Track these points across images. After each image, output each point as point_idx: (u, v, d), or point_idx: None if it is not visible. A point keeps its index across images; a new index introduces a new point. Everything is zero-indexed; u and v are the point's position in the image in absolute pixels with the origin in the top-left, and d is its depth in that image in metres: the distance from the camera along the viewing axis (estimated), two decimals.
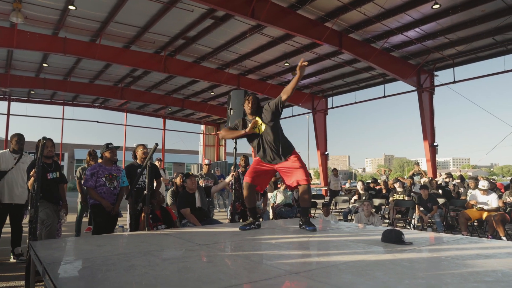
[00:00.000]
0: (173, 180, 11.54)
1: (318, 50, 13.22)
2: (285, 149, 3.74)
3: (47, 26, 11.53)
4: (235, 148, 5.37)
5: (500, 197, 7.44)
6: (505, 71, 12.61)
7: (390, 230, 3.25)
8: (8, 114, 19.94)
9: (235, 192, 5.69)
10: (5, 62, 14.93)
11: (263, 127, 3.71)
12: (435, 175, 14.25)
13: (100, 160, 5.65)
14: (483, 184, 7.20)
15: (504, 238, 6.35)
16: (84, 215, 6.66)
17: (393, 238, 3.12)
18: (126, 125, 23.75)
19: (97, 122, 22.93)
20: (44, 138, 3.81)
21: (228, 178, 5.65)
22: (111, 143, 4.42)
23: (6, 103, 20.03)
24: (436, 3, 9.42)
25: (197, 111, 22.96)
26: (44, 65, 14.91)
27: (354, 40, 12.06)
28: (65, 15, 10.68)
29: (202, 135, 27.41)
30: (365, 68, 14.74)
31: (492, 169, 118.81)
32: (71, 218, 6.95)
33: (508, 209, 7.03)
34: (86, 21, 11.19)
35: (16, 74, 16.23)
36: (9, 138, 6.18)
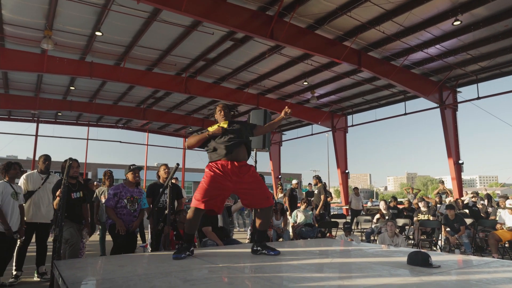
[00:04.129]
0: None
1: (337, 69, 13.23)
2: (247, 154, 3.65)
3: (75, 52, 12.07)
4: (255, 167, 5.37)
5: None
6: None
7: (416, 252, 3.15)
8: (36, 135, 20.74)
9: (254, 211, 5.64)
10: (35, 86, 15.65)
11: (227, 125, 3.61)
12: (461, 194, 13.75)
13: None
14: (510, 202, 6.90)
15: None
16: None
17: (419, 261, 3.00)
18: (147, 144, 24.25)
19: (120, 142, 23.43)
20: (70, 159, 3.93)
21: None
22: (134, 165, 4.50)
23: (35, 124, 20.87)
24: (456, 20, 9.32)
25: None
26: (71, 88, 15.54)
27: (373, 58, 12.03)
28: (92, 40, 11.17)
29: None
30: (385, 85, 14.61)
31: None
32: (94, 237, 7.06)
33: None
34: (112, 45, 11.65)
35: (44, 97, 16.98)
36: (36, 159, 6.41)
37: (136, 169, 4.46)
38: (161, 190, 4.34)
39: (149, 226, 4.96)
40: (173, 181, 7.59)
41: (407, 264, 3.03)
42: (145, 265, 3.26)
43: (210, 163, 3.51)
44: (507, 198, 9.00)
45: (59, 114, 20.23)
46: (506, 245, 7.18)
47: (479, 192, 13.74)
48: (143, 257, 3.81)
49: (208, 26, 10.10)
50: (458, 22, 9.42)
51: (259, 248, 3.57)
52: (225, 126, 3.61)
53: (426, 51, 11.52)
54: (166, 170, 4.95)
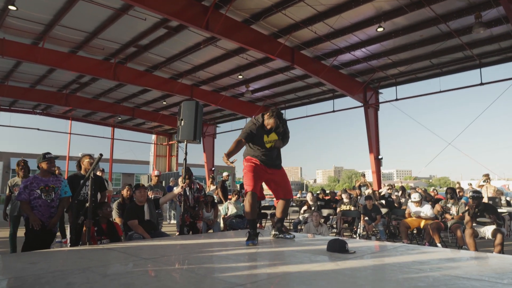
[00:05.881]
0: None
1: (271, 65, 13.52)
2: (280, 159, 4.12)
3: None
4: (185, 159, 5.30)
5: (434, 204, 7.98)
6: (440, 91, 13.75)
7: (335, 240, 3.38)
8: None
9: (184, 204, 5.58)
10: None
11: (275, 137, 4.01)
12: (379, 186, 15.02)
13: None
14: (414, 196, 7.73)
15: (439, 245, 6.82)
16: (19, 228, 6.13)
17: (337, 248, 3.24)
18: (70, 133, 22.47)
19: (38, 129, 21.19)
20: None
21: (177, 190, 5.52)
22: (49, 153, 4.14)
23: None
24: (380, 26, 10.09)
25: (148, 121, 22.35)
26: None
27: (305, 57, 12.51)
28: (4, 15, 9.96)
29: (153, 145, 26.65)
30: (315, 83, 15.31)
31: (430, 180, 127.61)
32: (4, 233, 6.40)
33: (441, 216, 7.55)
34: (28, 22, 10.51)
35: None
36: None
37: (51, 158, 4.11)
38: (82, 182, 4.06)
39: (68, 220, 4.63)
40: (99, 173, 7.17)
41: (326, 251, 3.25)
42: (61, 261, 3.05)
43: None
44: (415, 190, 10.06)
45: None
46: (414, 231, 8.03)
47: (395, 184, 15.13)
48: (59, 253, 3.55)
49: (140, 11, 9.63)
50: (381, 29, 10.21)
51: (277, 233, 4.18)
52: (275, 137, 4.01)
53: (353, 54, 12.31)
54: (91, 161, 4.64)
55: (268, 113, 3.90)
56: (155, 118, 21.50)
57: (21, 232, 6.06)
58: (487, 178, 10.74)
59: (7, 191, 5.84)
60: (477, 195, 6.11)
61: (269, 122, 3.86)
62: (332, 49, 12.13)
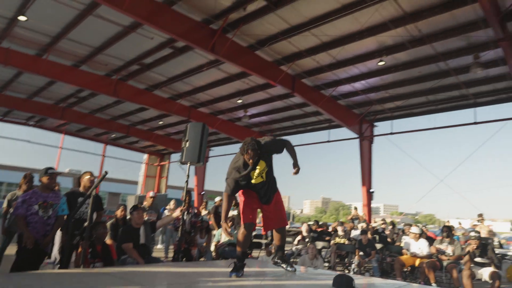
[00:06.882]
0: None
1: (271, 91, 13.63)
2: (274, 187, 3.79)
3: None
4: (187, 181, 5.18)
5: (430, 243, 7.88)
6: (435, 128, 13.94)
7: (341, 276, 3.27)
8: None
9: (181, 229, 5.41)
10: None
11: (263, 171, 3.63)
12: (369, 220, 14.89)
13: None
14: (414, 229, 7.65)
15: (434, 284, 6.68)
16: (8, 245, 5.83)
17: (343, 284, 3.13)
18: (61, 147, 22.10)
19: (29, 141, 20.79)
20: None
21: (176, 213, 5.36)
22: (51, 168, 4.01)
23: None
24: (381, 60, 10.29)
25: (142, 140, 22.15)
26: None
27: (305, 85, 12.65)
28: (13, 24, 9.97)
29: (144, 165, 26.27)
30: (313, 112, 15.41)
31: (417, 217, 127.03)
32: None
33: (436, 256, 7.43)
34: (36, 34, 10.50)
35: None
36: None
37: (53, 174, 3.97)
38: (81, 199, 3.92)
39: (56, 238, 4.41)
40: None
41: (332, 287, 3.13)
42: (55, 285, 2.87)
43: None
44: (411, 225, 9.98)
45: None
46: (408, 269, 7.88)
47: (385, 219, 15.01)
48: (52, 275, 3.36)
49: (148, 30, 9.72)
50: (382, 63, 10.41)
51: (279, 261, 3.95)
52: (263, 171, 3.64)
53: (353, 85, 12.49)
54: (92, 178, 4.49)
55: (242, 150, 3.54)
56: (149, 138, 21.31)
57: (10, 250, 5.78)
58: (481, 218, 10.72)
59: (5, 205, 5.59)
60: (478, 235, 6.05)
61: (246, 158, 3.49)
62: (333, 80, 12.31)
